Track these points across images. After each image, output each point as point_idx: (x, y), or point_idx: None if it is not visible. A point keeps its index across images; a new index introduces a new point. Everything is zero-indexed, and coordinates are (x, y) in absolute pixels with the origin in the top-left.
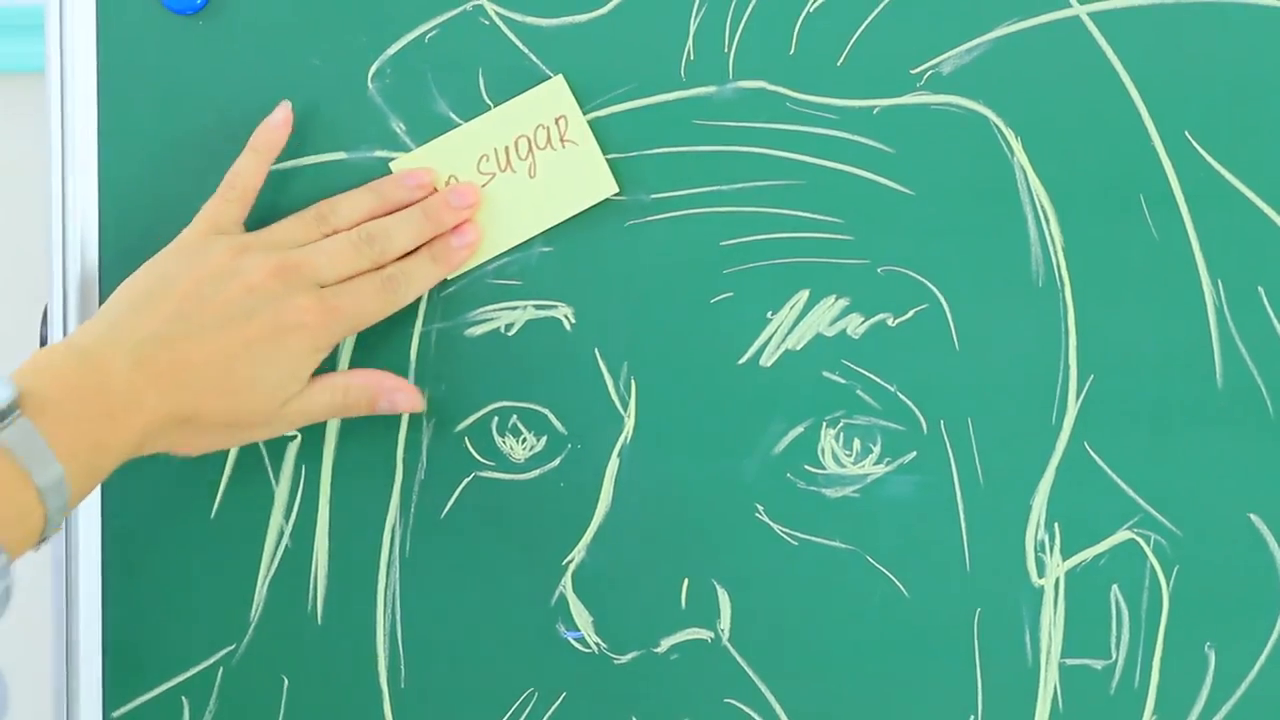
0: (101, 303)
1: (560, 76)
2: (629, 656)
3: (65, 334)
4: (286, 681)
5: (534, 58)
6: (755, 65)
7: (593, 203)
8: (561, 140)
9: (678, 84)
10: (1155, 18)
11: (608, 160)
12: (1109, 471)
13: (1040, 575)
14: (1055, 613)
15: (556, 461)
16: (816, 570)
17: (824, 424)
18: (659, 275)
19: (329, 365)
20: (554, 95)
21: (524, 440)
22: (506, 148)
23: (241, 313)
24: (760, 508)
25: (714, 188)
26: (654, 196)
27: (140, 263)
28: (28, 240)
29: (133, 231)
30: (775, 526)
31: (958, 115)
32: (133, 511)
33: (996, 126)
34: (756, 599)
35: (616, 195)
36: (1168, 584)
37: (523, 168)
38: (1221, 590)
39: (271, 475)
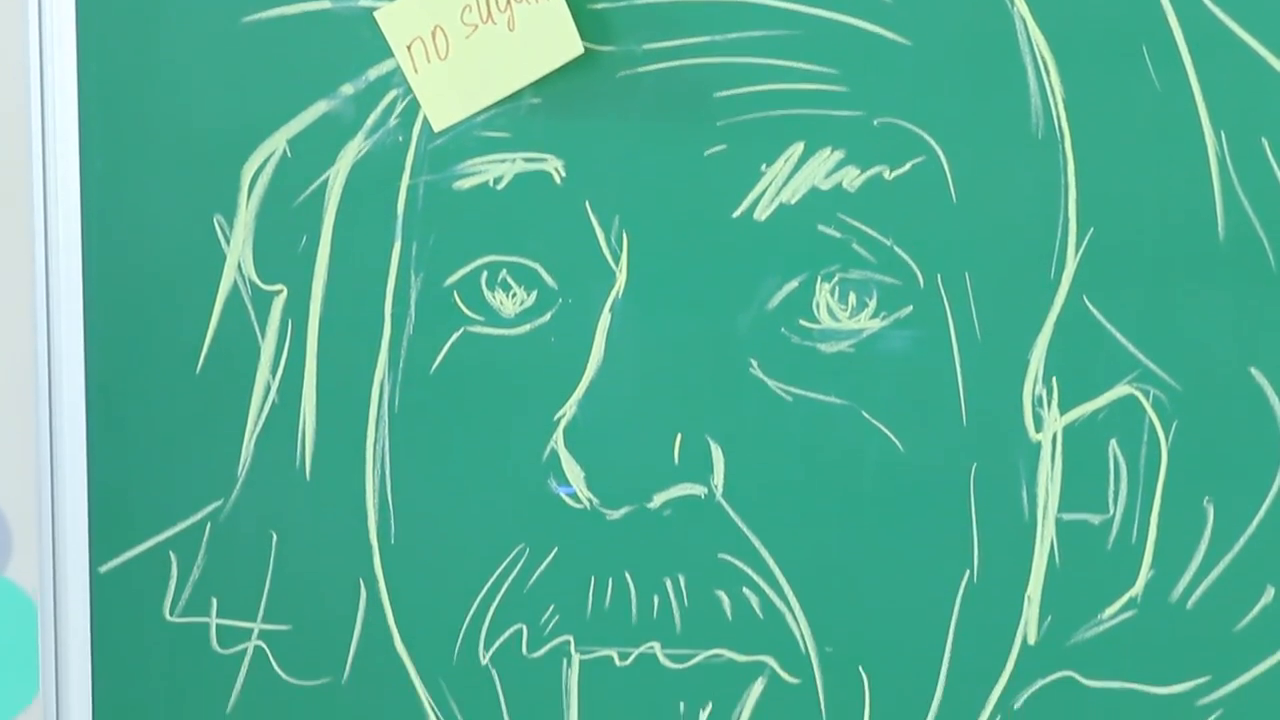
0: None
1: None
2: (621, 512)
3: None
4: (275, 537)
5: None
6: None
7: (562, 62)
8: None
9: None
10: None
11: (597, 10)
12: (1108, 326)
13: (1038, 430)
14: (1052, 468)
15: (547, 316)
16: (811, 425)
17: (819, 278)
18: (651, 127)
19: (318, 211)
20: None
21: (514, 295)
22: None
23: None
24: (754, 363)
25: (707, 38)
26: (645, 47)
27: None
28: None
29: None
30: (769, 382)
31: None
32: (116, 368)
33: None
34: (750, 454)
35: (607, 46)
36: (1166, 438)
37: (502, 20)
38: (1220, 444)
39: (257, 330)
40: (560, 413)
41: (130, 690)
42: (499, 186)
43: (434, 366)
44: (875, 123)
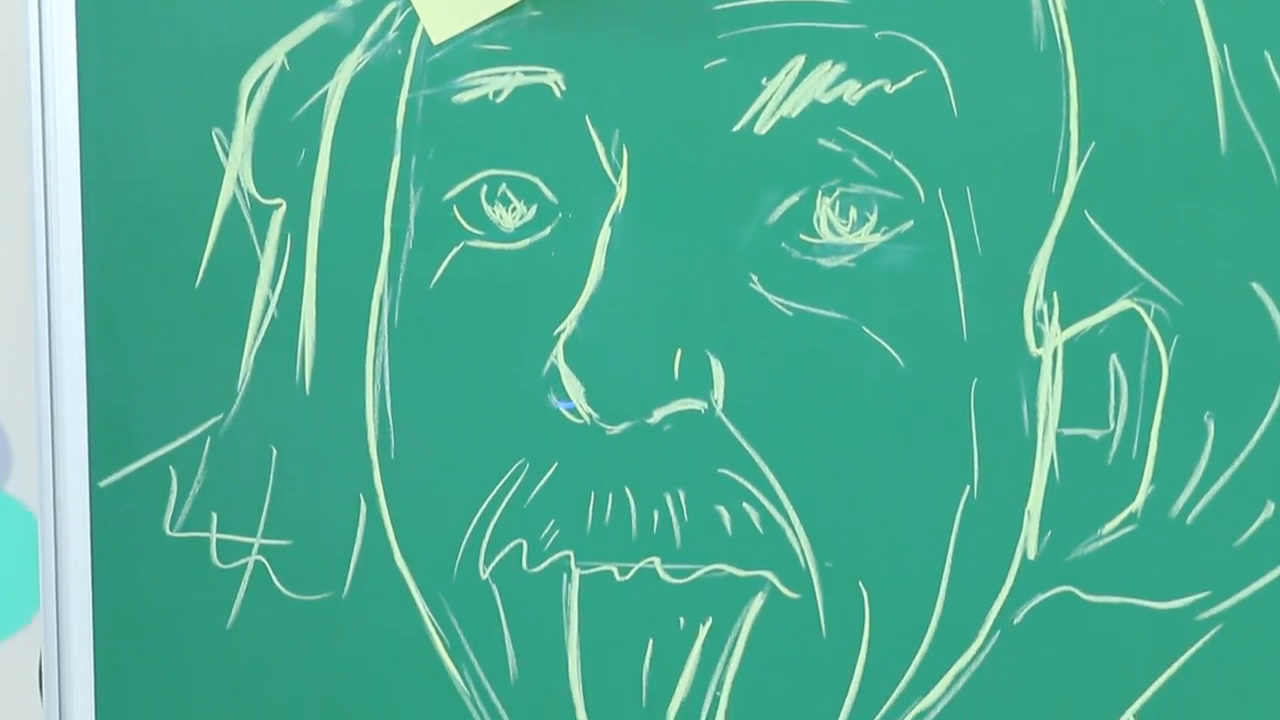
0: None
1: None
2: (621, 427)
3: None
4: (275, 452)
5: None
6: None
7: None
8: None
9: None
10: None
11: None
12: (1109, 240)
13: (1038, 345)
14: (1053, 383)
15: (547, 231)
16: (811, 340)
17: (819, 192)
18: (651, 40)
19: (316, 124)
20: None
21: (513, 209)
22: None
23: None
24: (754, 277)
25: None
26: None
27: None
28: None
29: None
30: (770, 296)
31: None
32: (115, 282)
33: None
34: (750, 369)
35: None
36: (1167, 353)
37: None
38: (1222, 359)
39: (256, 244)
40: (560, 328)
41: (130, 606)
42: (498, 100)
43: (433, 281)
44: (876, 36)
